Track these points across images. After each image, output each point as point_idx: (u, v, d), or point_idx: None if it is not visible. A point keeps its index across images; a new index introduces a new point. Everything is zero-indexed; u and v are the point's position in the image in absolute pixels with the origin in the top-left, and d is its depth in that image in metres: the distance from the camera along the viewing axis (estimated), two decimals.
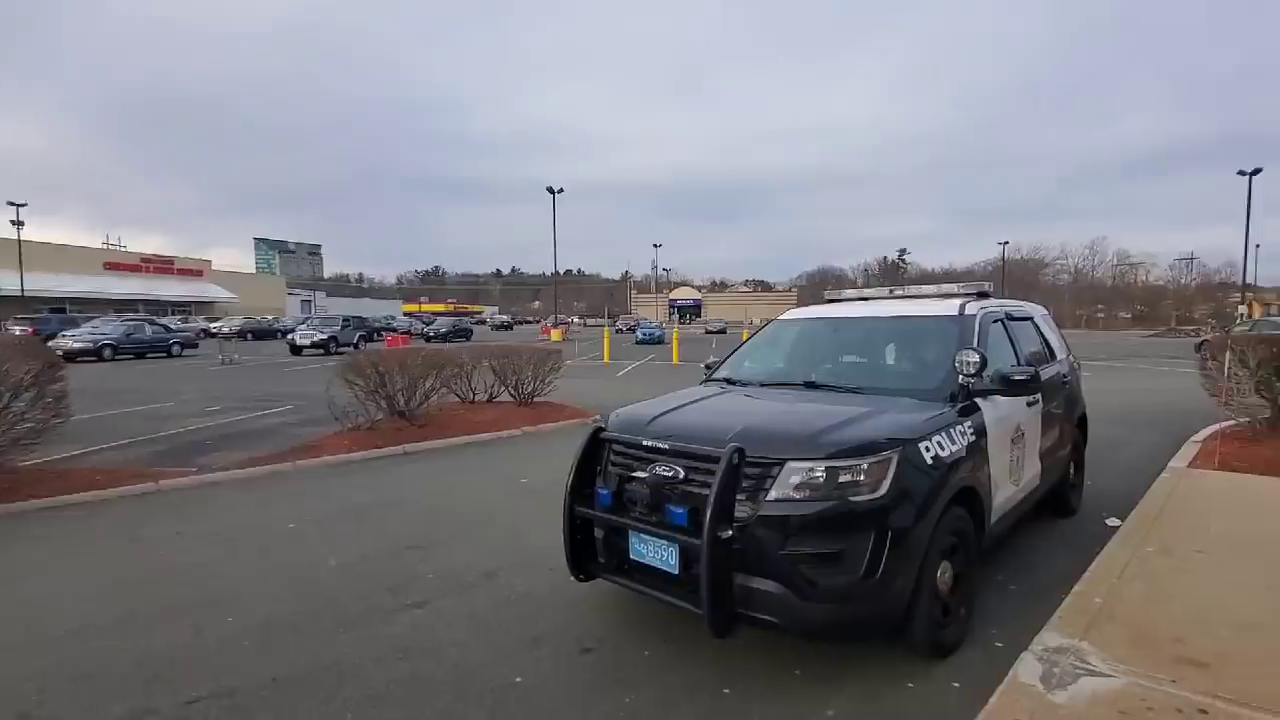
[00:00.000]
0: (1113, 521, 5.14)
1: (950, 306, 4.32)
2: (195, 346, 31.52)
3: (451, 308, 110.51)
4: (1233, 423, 7.83)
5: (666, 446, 3.13)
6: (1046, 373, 4.79)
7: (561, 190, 45.25)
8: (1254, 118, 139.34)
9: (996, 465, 3.70)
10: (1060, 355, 5.38)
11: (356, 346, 30.57)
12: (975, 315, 4.20)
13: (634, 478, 3.17)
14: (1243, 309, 40.00)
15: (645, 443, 3.23)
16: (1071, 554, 4.48)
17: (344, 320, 33.41)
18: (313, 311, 68.20)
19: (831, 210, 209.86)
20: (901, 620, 2.99)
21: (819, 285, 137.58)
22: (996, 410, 3.75)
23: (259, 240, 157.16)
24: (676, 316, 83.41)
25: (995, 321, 4.40)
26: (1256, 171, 37.17)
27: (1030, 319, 5.17)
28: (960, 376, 3.57)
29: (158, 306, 56.46)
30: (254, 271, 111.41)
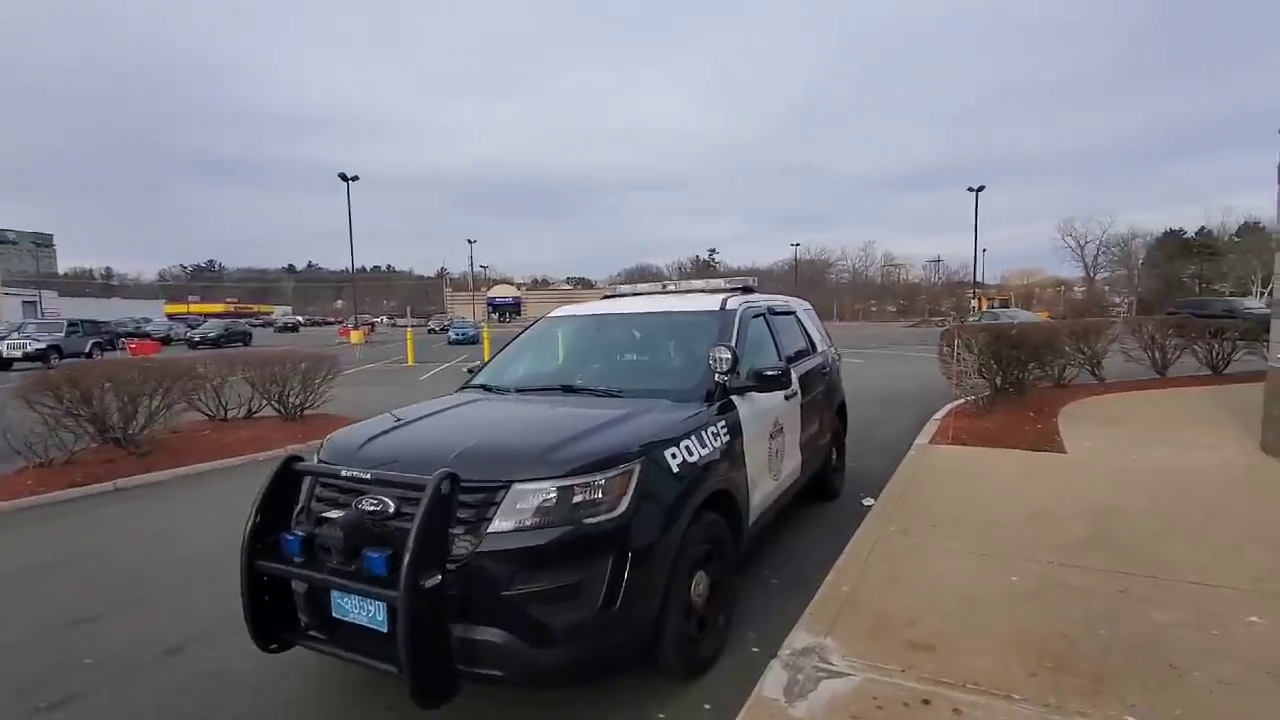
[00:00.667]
0: (868, 501, 5.48)
1: (713, 302, 4.24)
2: None
3: (231, 308, 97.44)
4: (962, 401, 8.97)
5: (368, 476, 2.57)
6: (807, 365, 4.93)
7: (357, 178, 41.60)
8: (980, 143, 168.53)
9: (754, 463, 3.63)
10: (821, 347, 5.64)
11: (90, 356, 25.41)
12: (736, 310, 4.15)
13: (326, 518, 2.57)
14: (974, 303, 47.99)
15: (344, 473, 2.65)
16: (832, 538, 4.64)
17: (70, 325, 27.48)
18: (38, 314, 56.11)
19: (648, 210, 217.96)
20: (651, 644, 2.73)
21: (636, 282, 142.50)
22: (753, 406, 3.69)
23: None
24: (495, 315, 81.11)
25: (756, 316, 4.40)
26: (981, 189, 44.75)
27: (793, 313, 5.33)
28: (715, 374, 3.44)
29: None
30: None
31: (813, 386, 4.90)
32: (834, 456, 5.63)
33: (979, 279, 57.55)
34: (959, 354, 8.76)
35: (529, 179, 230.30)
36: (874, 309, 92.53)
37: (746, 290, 4.79)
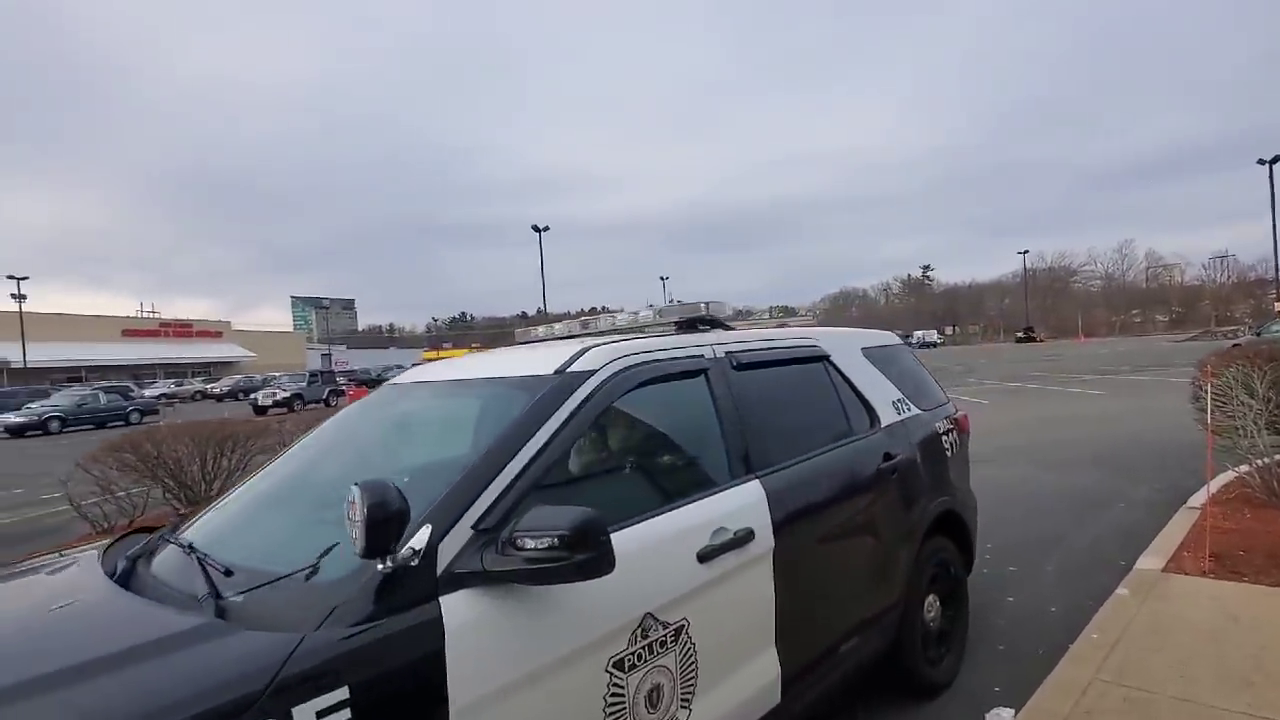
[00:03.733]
0: (1003, 716, 2.84)
1: (555, 357, 2.17)
2: (156, 413, 30.39)
3: (477, 349, 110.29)
4: (1236, 475, 5.40)
5: None
6: (826, 463, 2.56)
7: (547, 228, 44.36)
8: (1267, 109, 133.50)
9: None
10: (888, 416, 3.10)
11: (326, 402, 29.29)
12: (589, 375, 2.02)
13: None
14: (1279, 305, 36.29)
15: None
16: None
17: (310, 375, 32.16)
18: (331, 365, 68.13)
19: (853, 231, 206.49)
20: None
21: (842, 307, 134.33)
22: (532, 620, 1.57)
23: (295, 298, 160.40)
24: None
25: (639, 386, 2.12)
26: (1277, 160, 34.06)
27: (821, 358, 2.96)
28: (386, 559, 1.44)
29: (178, 369, 56.95)
30: (290, 330, 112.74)
31: (840, 503, 2.54)
32: (929, 616, 3.06)
33: None
34: (1233, 395, 5.26)
35: (732, 212, 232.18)
36: (1137, 319, 75.88)
37: (699, 324, 2.61)
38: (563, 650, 1.60)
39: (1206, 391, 4.84)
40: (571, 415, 1.89)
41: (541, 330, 3.28)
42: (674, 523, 1.94)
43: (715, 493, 2.12)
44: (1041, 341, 64.07)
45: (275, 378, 40.07)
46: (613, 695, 1.69)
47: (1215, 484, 5.87)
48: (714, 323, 2.67)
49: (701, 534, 1.98)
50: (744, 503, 2.16)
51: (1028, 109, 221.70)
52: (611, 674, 1.70)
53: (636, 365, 2.14)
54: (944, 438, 3.40)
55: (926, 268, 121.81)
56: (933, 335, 75.02)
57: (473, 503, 1.61)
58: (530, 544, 1.46)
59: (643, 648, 1.77)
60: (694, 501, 2.04)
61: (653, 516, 1.92)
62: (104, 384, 33.00)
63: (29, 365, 45.15)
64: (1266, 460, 5.01)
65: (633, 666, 1.74)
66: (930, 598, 3.08)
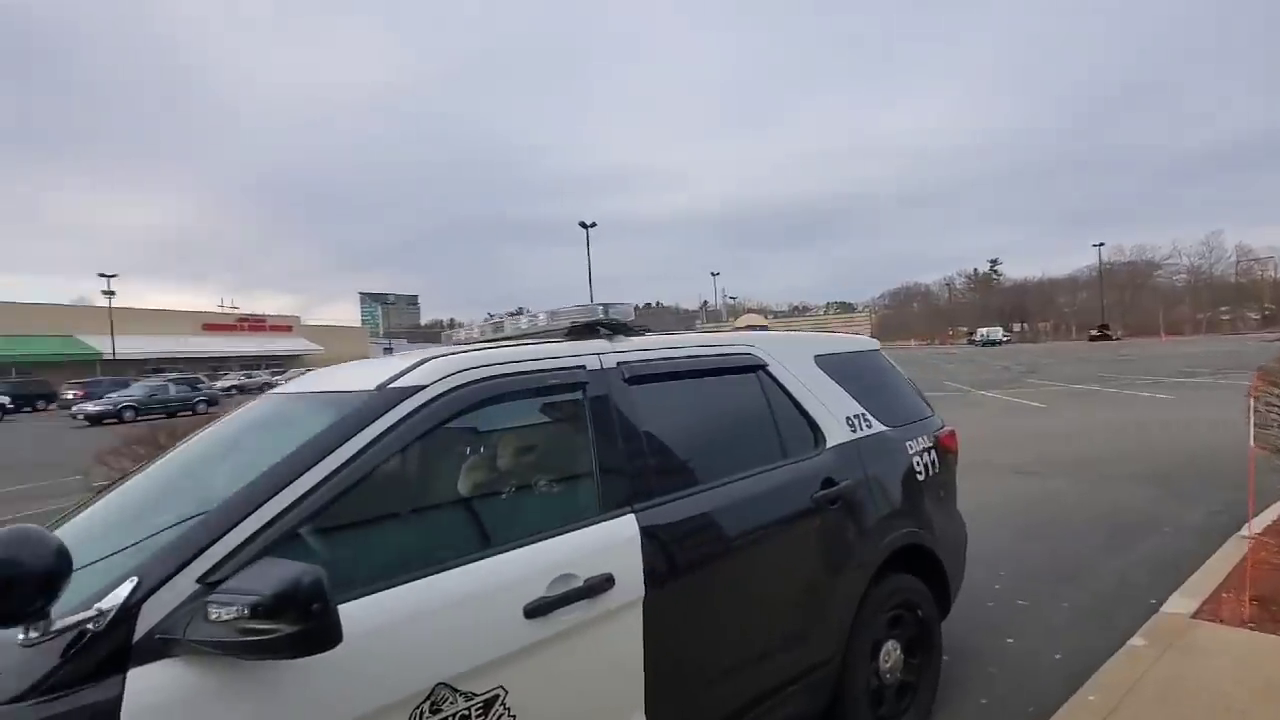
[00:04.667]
0: None
1: (391, 369, 1.87)
2: (218, 404, 31.88)
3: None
4: None
5: None
6: (727, 498, 2.16)
7: (594, 225, 44.71)
8: None
9: None
10: (838, 435, 2.65)
11: None
12: (413, 394, 1.71)
13: None
14: None
15: None
16: None
17: None
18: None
19: (916, 225, 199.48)
20: None
21: (903, 303, 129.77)
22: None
23: (363, 294, 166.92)
24: None
25: (481, 404, 1.81)
26: None
27: (754, 368, 2.55)
28: (27, 629, 1.15)
29: (252, 362, 60.05)
30: (357, 324, 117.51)
31: (750, 540, 2.15)
32: (885, 667, 2.58)
33: None
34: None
35: (790, 207, 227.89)
36: (1225, 317, 70.34)
37: (591, 332, 2.27)
38: None
39: (1254, 402, 4.16)
40: (376, 440, 1.60)
41: (462, 333, 3.01)
42: (495, 570, 1.63)
43: (566, 532, 1.79)
44: (1117, 340, 60.10)
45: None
46: None
47: (1271, 512, 5.14)
48: (616, 328, 2.32)
49: (534, 583, 1.65)
50: (607, 542, 1.82)
51: (1108, 94, 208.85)
52: None
53: (481, 380, 1.82)
54: (916, 458, 2.95)
55: (994, 262, 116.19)
56: (998, 333, 71.35)
57: (205, 549, 1.34)
58: (216, 613, 1.17)
59: None
60: (531, 543, 1.72)
61: (467, 563, 1.61)
62: (175, 376, 34.81)
63: (118, 357, 48.27)
64: None
65: None
66: (889, 645, 2.64)
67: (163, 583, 1.28)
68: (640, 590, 1.83)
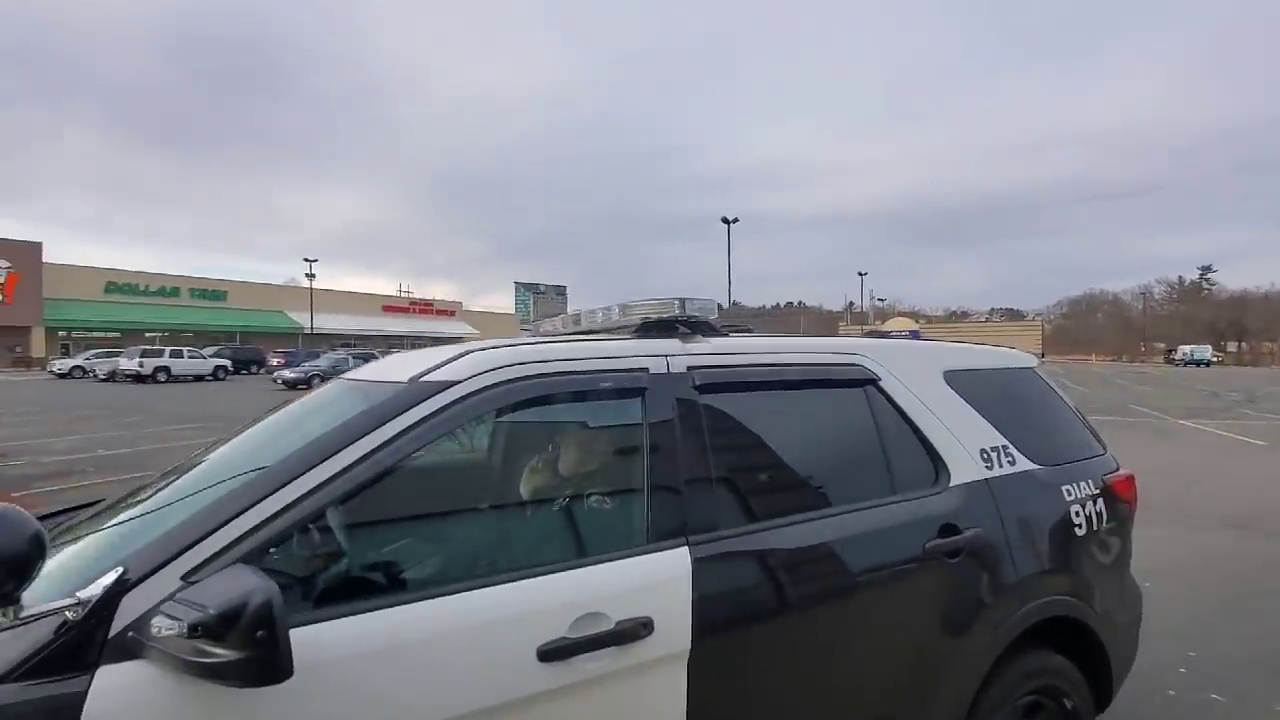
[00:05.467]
0: None
1: (421, 363, 1.70)
2: None
3: None
4: None
5: None
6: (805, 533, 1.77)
7: (736, 220, 44.09)
8: None
9: None
10: (967, 471, 2.13)
11: None
12: (444, 389, 1.53)
13: None
14: None
15: None
16: None
17: None
18: None
19: (1106, 225, 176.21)
20: None
21: (1085, 313, 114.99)
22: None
23: (518, 284, 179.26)
24: None
25: (519, 405, 1.63)
26: None
27: (863, 382, 2.08)
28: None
29: (420, 341, 66.87)
30: (512, 311, 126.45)
31: (834, 593, 1.77)
32: None
33: None
34: None
35: (953, 203, 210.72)
36: None
37: (667, 330, 1.98)
38: None
39: None
40: (393, 438, 1.44)
41: (547, 324, 2.86)
42: (509, 600, 1.41)
43: (600, 562, 1.53)
44: None
45: None
46: None
47: None
48: (695, 326, 2.02)
49: (554, 620, 1.42)
50: (649, 579, 1.54)
51: None
52: None
53: (521, 379, 1.61)
54: (1075, 507, 2.36)
55: (1206, 269, 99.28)
56: (1206, 352, 60.88)
57: (195, 544, 1.24)
58: (158, 625, 1.05)
59: None
60: (556, 571, 1.48)
61: (480, 587, 1.40)
62: (356, 350, 39.05)
63: (315, 331, 55.63)
64: None
65: None
66: None
67: (146, 576, 1.19)
68: (685, 643, 1.53)
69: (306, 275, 57.17)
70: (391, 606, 1.31)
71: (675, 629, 1.53)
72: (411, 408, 1.49)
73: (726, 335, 2.09)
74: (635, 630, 1.47)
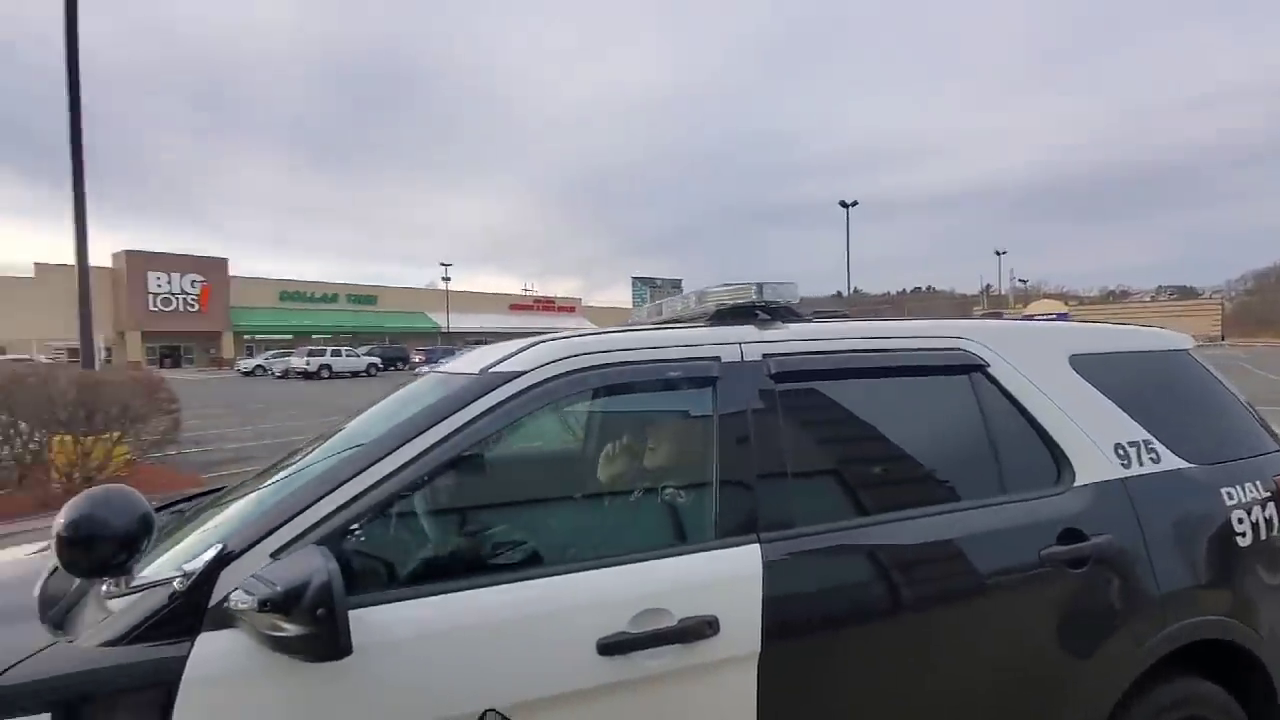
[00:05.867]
0: None
1: (494, 354, 1.72)
2: None
3: None
4: None
5: None
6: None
7: (855, 203, 42.01)
8: None
9: None
10: (1097, 469, 1.85)
11: None
12: (510, 380, 1.56)
13: None
14: None
15: None
16: None
17: None
18: None
19: None
20: None
21: (1275, 285, 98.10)
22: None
23: (635, 279, 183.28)
24: None
25: (586, 395, 1.65)
26: None
27: (970, 368, 1.89)
28: (110, 582, 1.27)
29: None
30: (629, 306, 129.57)
31: (930, 600, 1.61)
32: None
33: None
34: None
35: (1109, 173, 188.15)
36: None
37: (745, 315, 1.89)
38: None
39: None
40: (459, 429, 1.49)
41: (635, 314, 2.85)
42: (571, 589, 1.41)
43: (666, 556, 1.49)
44: None
45: None
46: None
47: None
48: (777, 313, 1.91)
49: (616, 613, 1.40)
50: (717, 576, 1.49)
51: None
52: None
53: (587, 369, 1.61)
54: (1238, 513, 2.00)
55: None
56: None
57: (283, 524, 1.35)
58: (236, 599, 1.14)
59: None
60: (620, 564, 1.46)
61: (542, 576, 1.42)
62: (483, 347, 41.77)
63: (451, 330, 60.08)
64: None
65: None
66: None
67: (242, 553, 1.31)
68: (754, 644, 1.46)
69: (443, 279, 61.64)
70: (456, 591, 1.36)
71: (743, 630, 1.46)
72: (479, 398, 1.53)
73: (809, 321, 1.97)
74: (699, 629, 1.42)
